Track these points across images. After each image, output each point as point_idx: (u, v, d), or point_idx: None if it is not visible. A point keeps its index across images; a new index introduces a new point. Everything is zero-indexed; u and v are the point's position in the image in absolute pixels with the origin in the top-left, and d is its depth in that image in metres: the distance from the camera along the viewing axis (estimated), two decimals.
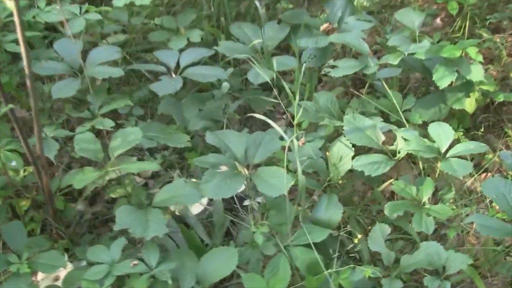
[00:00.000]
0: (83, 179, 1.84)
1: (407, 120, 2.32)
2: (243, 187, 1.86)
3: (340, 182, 2.05)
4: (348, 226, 2.07)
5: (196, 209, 2.28)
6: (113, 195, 2.09)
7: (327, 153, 2.05)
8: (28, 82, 1.55)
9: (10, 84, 2.27)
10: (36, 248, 1.85)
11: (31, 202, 2.05)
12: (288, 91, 1.91)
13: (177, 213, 2.21)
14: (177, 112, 2.24)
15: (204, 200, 2.23)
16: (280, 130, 1.86)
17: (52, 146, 1.92)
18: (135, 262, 1.74)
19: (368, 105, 2.30)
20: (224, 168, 1.85)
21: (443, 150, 1.99)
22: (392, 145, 2.08)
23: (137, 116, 2.46)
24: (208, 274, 1.77)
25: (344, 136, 2.01)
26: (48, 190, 1.88)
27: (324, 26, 2.44)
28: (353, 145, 2.01)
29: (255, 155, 1.92)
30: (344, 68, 2.19)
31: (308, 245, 1.82)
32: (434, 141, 2.01)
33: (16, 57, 2.28)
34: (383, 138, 2.04)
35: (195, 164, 1.86)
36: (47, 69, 2.07)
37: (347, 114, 2.26)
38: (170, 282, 1.69)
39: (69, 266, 2.02)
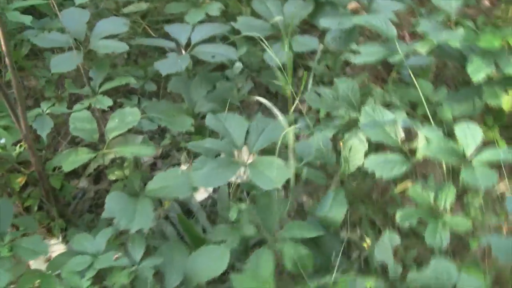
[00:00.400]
0: (74, 161, 1.74)
1: (435, 114, 2.10)
2: (236, 177, 1.72)
3: (352, 178, 1.87)
4: (358, 228, 1.90)
5: (200, 195, 2.16)
6: (111, 177, 1.99)
7: (340, 145, 1.87)
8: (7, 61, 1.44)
9: (18, 53, 2.19)
10: (23, 229, 1.80)
11: (27, 179, 1.98)
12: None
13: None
14: (186, 91, 2.11)
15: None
16: (279, 115, 1.70)
17: (46, 124, 1.82)
18: (118, 255, 1.64)
19: (394, 95, 2.09)
20: (222, 155, 1.72)
21: (468, 154, 1.77)
22: (413, 143, 1.88)
23: (149, 92, 2.35)
24: (195, 273, 1.65)
25: (361, 129, 1.83)
26: (38, 168, 1.80)
27: (352, 5, 2.22)
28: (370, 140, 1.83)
29: (256, 143, 1.77)
30: (367, 54, 1.97)
31: (304, 241, 1.67)
32: (459, 143, 1.79)
33: (23, 26, 2.18)
34: (402, 135, 1.83)
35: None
36: (49, 41, 1.96)
37: (368, 103, 2.06)
38: (150, 279, 1.58)
39: (62, 248, 1.96)
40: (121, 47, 1.93)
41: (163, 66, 1.93)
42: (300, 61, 2.68)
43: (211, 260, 1.66)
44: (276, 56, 2.14)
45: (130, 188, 1.82)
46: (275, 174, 1.63)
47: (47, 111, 1.87)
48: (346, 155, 1.84)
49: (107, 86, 1.94)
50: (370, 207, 1.94)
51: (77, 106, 1.87)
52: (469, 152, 1.77)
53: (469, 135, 1.81)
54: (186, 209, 2.13)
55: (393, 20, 2.11)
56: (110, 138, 1.82)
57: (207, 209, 2.13)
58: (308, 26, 2.65)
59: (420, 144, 1.83)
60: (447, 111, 2.11)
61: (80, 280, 1.59)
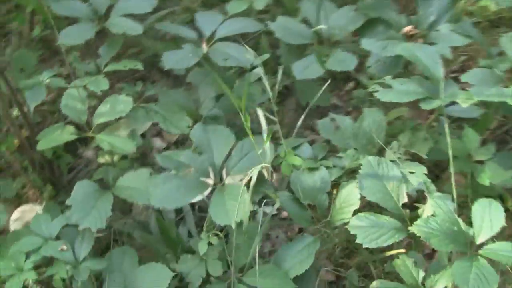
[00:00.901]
0: (51, 140, 1.68)
1: (473, 176, 1.78)
2: (199, 198, 1.56)
3: (337, 233, 1.64)
4: None
5: None
6: (100, 160, 1.92)
7: (335, 191, 1.64)
8: None
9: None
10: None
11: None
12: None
13: None
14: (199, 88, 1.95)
15: None
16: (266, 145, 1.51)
17: (38, 95, 1.76)
18: (64, 247, 1.57)
19: (424, 143, 1.79)
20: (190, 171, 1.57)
21: (478, 242, 1.47)
22: (419, 210, 1.60)
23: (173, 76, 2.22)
24: (135, 286, 1.56)
25: (358, 182, 1.58)
26: (21, 139, 1.76)
27: (407, 28, 1.91)
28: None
29: (234, 167, 1.60)
30: (399, 92, 1.68)
31: None
32: (471, 225, 1.49)
33: None
34: (405, 199, 1.56)
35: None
36: (67, 9, 1.87)
37: (390, 147, 1.79)
38: (79, 284, 1.50)
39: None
40: (134, 28, 1.81)
41: (169, 59, 1.78)
42: (351, 73, 2.42)
43: (154, 277, 1.55)
44: (305, 69, 1.91)
45: (103, 178, 1.74)
46: (234, 209, 1.46)
47: (46, 81, 1.81)
48: (337, 205, 1.61)
49: (112, 67, 1.83)
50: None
51: (75, 82, 1.79)
52: (479, 240, 1.47)
53: (487, 219, 1.50)
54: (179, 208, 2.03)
55: (447, 56, 1.79)
56: (96, 123, 1.73)
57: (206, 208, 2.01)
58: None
59: (426, 213, 1.55)
60: (485, 175, 1.78)
61: (23, 261, 1.56)
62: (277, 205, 1.58)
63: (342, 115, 2.34)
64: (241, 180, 1.62)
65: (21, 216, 1.91)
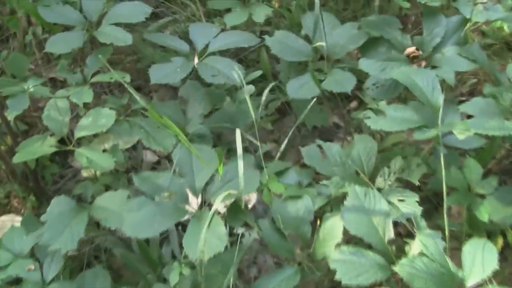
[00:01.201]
0: (30, 152, 1.63)
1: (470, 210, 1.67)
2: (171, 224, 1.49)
3: (318, 266, 1.55)
4: None
5: None
6: (84, 173, 1.86)
7: (318, 222, 1.55)
8: None
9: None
10: None
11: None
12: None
13: None
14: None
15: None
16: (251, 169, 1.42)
17: (20, 103, 1.70)
18: (32, 266, 1.52)
19: (417, 169, 1.68)
20: (166, 195, 1.49)
21: (467, 285, 1.36)
22: (407, 244, 1.50)
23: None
24: None
25: (342, 215, 1.48)
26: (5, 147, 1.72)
27: (409, 50, 1.80)
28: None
29: (216, 193, 1.52)
30: (392, 120, 1.58)
31: None
32: (460, 268, 1.39)
33: None
34: (391, 235, 1.46)
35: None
36: (57, 16, 1.81)
37: (381, 174, 1.69)
38: None
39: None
40: (123, 39, 1.74)
41: (156, 73, 1.71)
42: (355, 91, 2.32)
43: None
44: (301, 89, 1.82)
45: (82, 194, 1.68)
46: (209, 240, 1.38)
47: (31, 89, 1.76)
48: (320, 237, 1.52)
49: (98, 78, 1.77)
50: None
51: (60, 92, 1.74)
52: (469, 283, 1.37)
53: (479, 260, 1.39)
54: None
55: (449, 82, 1.68)
56: (77, 137, 1.67)
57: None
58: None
59: (413, 251, 1.45)
60: (485, 210, 1.66)
61: None
62: (254, 234, 1.49)
63: (341, 135, 2.29)
64: (224, 207, 1.55)
65: (1, 226, 1.87)
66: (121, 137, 1.70)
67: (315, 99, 1.73)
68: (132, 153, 2.15)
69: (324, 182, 1.56)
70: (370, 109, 1.60)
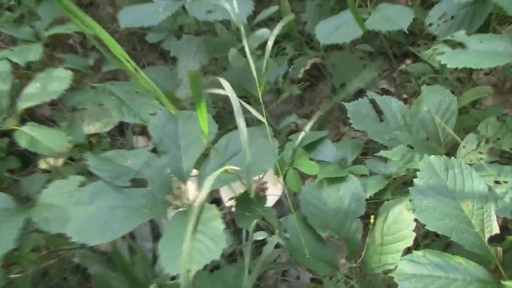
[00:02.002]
0: None
1: None
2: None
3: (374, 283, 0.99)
4: None
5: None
6: (42, 165, 1.36)
7: (371, 219, 1.00)
8: None
9: None
10: None
11: None
12: None
13: None
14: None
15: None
16: (268, 136, 0.89)
17: None
18: None
19: None
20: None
21: None
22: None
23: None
24: None
25: (410, 201, 0.92)
26: None
27: None
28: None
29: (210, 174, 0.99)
30: (477, 54, 1.02)
31: None
32: None
33: None
34: (494, 230, 0.90)
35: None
36: None
37: (464, 143, 1.13)
38: None
39: None
40: None
41: (128, 16, 1.20)
42: (407, 47, 1.77)
43: None
44: (334, 32, 1.29)
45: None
46: (199, 248, 0.85)
47: None
48: (376, 239, 0.97)
49: (54, 31, 1.28)
50: None
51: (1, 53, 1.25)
52: None
53: None
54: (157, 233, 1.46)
55: None
56: (19, 110, 1.18)
57: None
58: None
59: None
60: None
61: None
62: (275, 241, 0.96)
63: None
64: (229, 200, 1.03)
65: None
66: (104, 115, 1.20)
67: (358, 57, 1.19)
68: (119, 140, 1.66)
69: (381, 153, 1.01)
70: (445, 41, 1.05)
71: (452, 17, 1.25)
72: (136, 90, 1.23)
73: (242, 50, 1.29)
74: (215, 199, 1.41)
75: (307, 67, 1.73)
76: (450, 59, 1.00)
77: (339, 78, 1.50)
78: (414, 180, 0.92)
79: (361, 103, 1.13)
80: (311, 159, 1.10)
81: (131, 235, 1.48)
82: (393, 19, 1.27)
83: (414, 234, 0.93)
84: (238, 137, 1.02)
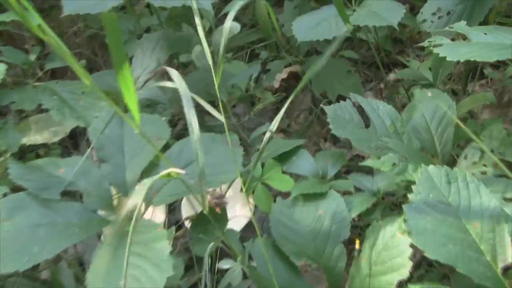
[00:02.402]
0: None
1: None
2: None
3: None
4: None
5: None
6: None
7: (357, 244, 0.81)
8: None
9: None
10: None
11: None
12: None
13: None
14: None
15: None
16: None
17: None
18: None
19: None
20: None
21: None
22: None
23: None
24: None
25: (405, 221, 0.74)
26: None
27: None
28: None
29: (163, 186, 0.81)
30: (483, 46, 0.86)
31: None
32: None
33: None
34: (509, 259, 0.73)
35: None
36: None
37: (464, 155, 0.96)
38: None
39: None
40: None
41: (74, 1, 1.03)
42: (398, 56, 1.62)
43: None
44: (315, 27, 1.13)
45: None
46: (138, 275, 0.67)
47: None
48: (362, 268, 0.78)
49: None
50: None
51: None
52: None
53: None
54: None
55: None
56: None
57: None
58: None
59: None
60: None
61: None
62: (237, 270, 0.77)
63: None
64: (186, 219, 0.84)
65: None
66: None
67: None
68: (73, 153, 1.47)
69: (368, 162, 0.83)
70: (441, 33, 0.89)
71: (448, 13, 1.10)
72: (82, 90, 1.04)
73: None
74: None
75: (284, 75, 1.57)
76: (450, 51, 0.84)
77: (320, 85, 1.34)
78: (409, 195, 0.75)
79: (343, 107, 0.96)
80: (284, 172, 0.92)
81: (80, 261, 1.28)
82: (382, 14, 1.11)
83: (410, 263, 0.74)
84: (188, 142, 0.84)
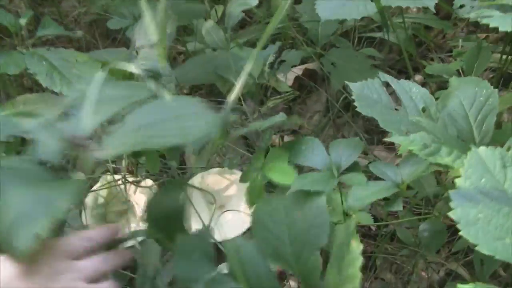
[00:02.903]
0: None
1: None
2: None
3: None
4: None
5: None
6: None
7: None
8: None
9: None
10: None
11: None
12: None
13: None
14: None
15: None
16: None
17: None
18: None
19: None
20: None
21: None
22: None
23: None
24: None
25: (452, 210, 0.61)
26: None
27: None
28: None
29: None
30: None
31: None
32: None
33: None
34: None
35: None
36: None
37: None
38: None
39: None
40: None
41: None
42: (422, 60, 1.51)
43: None
44: (341, 6, 1.02)
45: None
46: None
47: None
48: (328, 282, 0.64)
49: None
50: None
51: None
52: None
53: None
54: None
55: None
56: None
57: None
58: None
59: None
60: None
61: None
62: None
63: None
64: None
65: None
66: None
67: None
68: None
69: (393, 138, 0.70)
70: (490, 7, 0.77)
71: None
72: (77, 58, 0.93)
73: (221, 22, 1.01)
74: None
75: (299, 72, 1.46)
76: (502, 21, 0.72)
77: (340, 78, 1.22)
78: (456, 180, 0.62)
79: (370, 85, 0.84)
80: (295, 165, 0.80)
81: None
82: None
83: (359, 276, 0.60)
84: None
